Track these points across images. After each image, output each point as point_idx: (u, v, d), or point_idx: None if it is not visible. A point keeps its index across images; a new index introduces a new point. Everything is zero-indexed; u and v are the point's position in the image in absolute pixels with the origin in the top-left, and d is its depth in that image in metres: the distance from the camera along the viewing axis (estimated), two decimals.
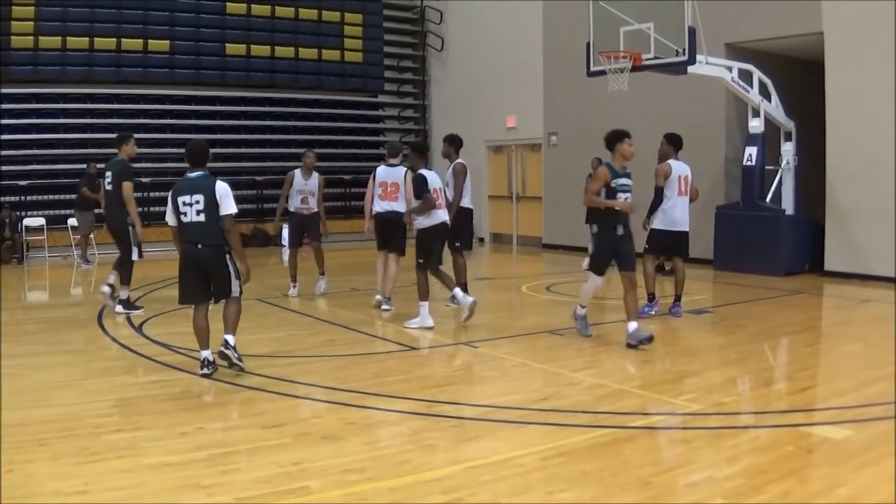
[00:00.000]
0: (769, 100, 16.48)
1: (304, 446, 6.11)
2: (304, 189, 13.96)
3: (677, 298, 12.02)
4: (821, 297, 14.52)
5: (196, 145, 8.61)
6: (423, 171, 11.15)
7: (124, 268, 12.35)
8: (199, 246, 8.13)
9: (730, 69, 15.64)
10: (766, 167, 16.75)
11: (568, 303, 13.34)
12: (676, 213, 11.69)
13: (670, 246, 11.99)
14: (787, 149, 16.93)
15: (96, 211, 18.73)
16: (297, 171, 14.03)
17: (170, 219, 8.38)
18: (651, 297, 11.99)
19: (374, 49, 26.99)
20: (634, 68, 14.47)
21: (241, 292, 8.40)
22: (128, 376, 8.27)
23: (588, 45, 15.35)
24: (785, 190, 16.86)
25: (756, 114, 16.48)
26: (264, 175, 24.60)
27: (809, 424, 6.73)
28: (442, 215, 11.20)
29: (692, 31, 13.91)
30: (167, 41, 23.27)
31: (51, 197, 21.26)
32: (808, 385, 8.26)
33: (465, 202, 12.72)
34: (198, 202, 8.13)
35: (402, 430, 6.54)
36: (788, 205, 16.79)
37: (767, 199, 16.64)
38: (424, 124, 28.21)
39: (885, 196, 15.14)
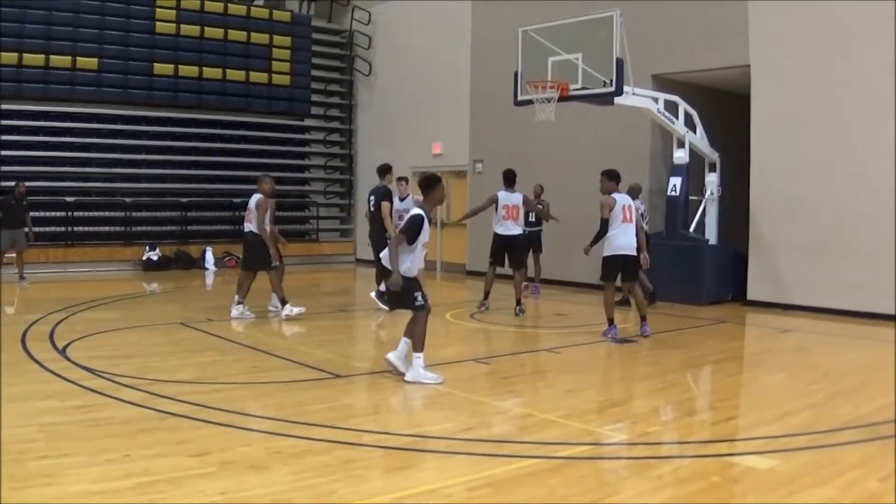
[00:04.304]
0: (694, 131, 16.71)
1: (230, 475, 5.98)
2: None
3: (643, 319, 12.56)
4: (744, 326, 14.70)
5: None
6: None
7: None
8: None
9: (656, 100, 15.80)
10: (690, 197, 16.98)
11: (493, 331, 13.39)
12: (620, 240, 12.18)
13: (619, 269, 12.41)
14: (712, 179, 17.16)
15: (27, 230, 18.65)
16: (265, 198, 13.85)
17: None
18: (610, 322, 12.38)
19: (302, 72, 26.90)
20: (562, 98, 14.52)
21: None
22: (52, 401, 8.03)
23: (516, 74, 15.38)
24: (708, 220, 17.08)
25: (681, 145, 16.70)
26: (189, 196, 24.33)
27: (734, 454, 6.77)
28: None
29: (620, 63, 14.01)
30: (96, 59, 22.94)
31: None
32: (733, 415, 8.33)
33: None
34: None
35: (329, 459, 6.43)
36: (712, 235, 17.00)
37: (691, 229, 16.85)
38: (350, 149, 28.15)
39: (807, 227, 15.45)
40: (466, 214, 16.36)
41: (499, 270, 15.16)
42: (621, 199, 12.32)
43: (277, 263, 13.96)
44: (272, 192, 13.94)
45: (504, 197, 14.74)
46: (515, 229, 14.81)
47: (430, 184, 9.35)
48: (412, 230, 9.08)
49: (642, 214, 15.52)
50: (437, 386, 9.00)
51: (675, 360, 11.03)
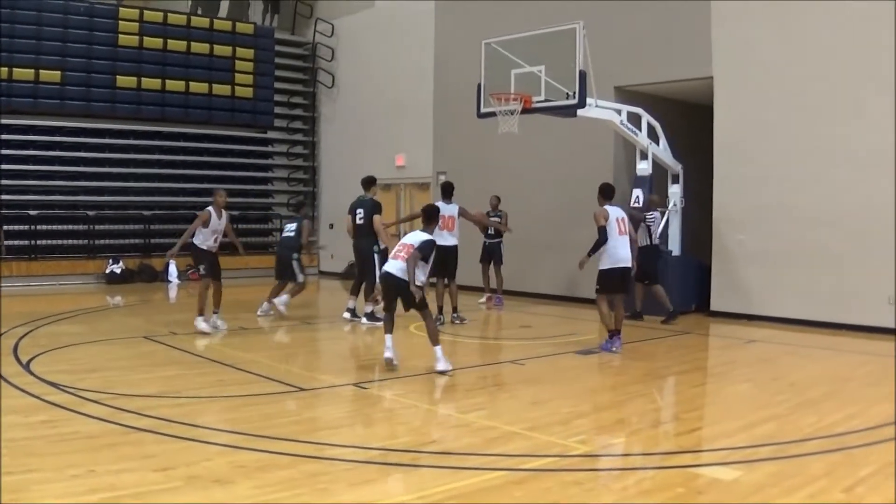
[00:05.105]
0: (657, 142, 16.78)
1: (195, 490, 5.91)
2: (218, 229, 13.90)
3: (617, 333, 12.48)
4: (707, 337, 14.77)
5: None
6: None
7: (367, 287, 14.82)
8: None
9: (619, 112, 15.84)
10: None
11: (457, 343, 13.35)
12: (619, 253, 12.24)
13: (618, 283, 12.43)
14: (675, 191, 17.24)
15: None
16: (212, 210, 13.73)
17: None
18: (612, 334, 12.38)
19: (265, 85, 26.81)
20: (525, 111, 14.49)
21: None
22: (17, 416, 7.92)
23: (479, 86, 15.36)
24: (672, 231, 17.13)
25: (644, 156, 16.76)
26: (152, 210, 24.18)
27: (699, 465, 6.78)
28: None
29: (583, 75, 14.02)
30: (58, 72, 22.79)
31: None
32: (697, 426, 8.34)
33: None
34: None
35: (294, 473, 6.38)
36: (675, 246, 17.07)
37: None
38: (313, 161, 28.08)
39: (770, 238, 15.55)
40: (402, 219, 16.79)
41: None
42: (614, 211, 12.37)
43: (202, 272, 13.92)
44: (223, 204, 14.07)
45: (441, 208, 14.65)
46: (450, 240, 14.91)
47: (434, 215, 11.40)
48: (429, 251, 10.46)
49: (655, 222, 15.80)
50: (402, 398, 8.98)
51: (640, 371, 11.06)
